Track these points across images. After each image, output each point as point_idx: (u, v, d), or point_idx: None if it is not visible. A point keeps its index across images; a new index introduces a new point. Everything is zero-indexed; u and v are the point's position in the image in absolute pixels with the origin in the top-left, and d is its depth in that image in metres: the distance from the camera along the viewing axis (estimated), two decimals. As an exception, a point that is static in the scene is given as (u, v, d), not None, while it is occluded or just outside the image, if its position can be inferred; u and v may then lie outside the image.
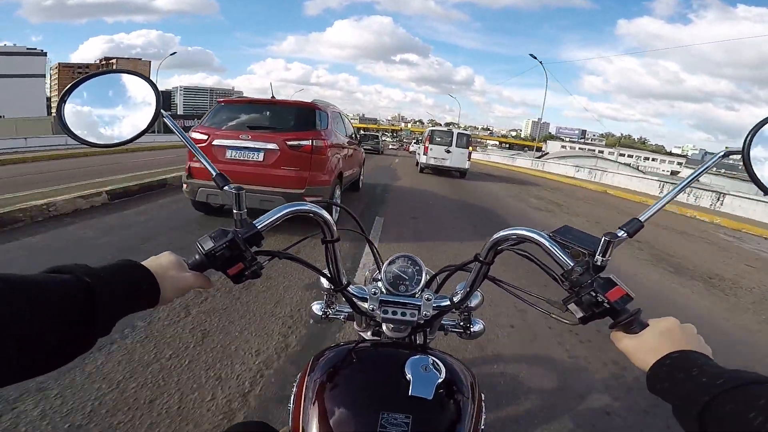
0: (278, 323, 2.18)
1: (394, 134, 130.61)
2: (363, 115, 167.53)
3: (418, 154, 14.09)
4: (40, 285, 0.35)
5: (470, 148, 12.43)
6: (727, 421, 0.35)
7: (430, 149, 12.21)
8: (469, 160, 12.32)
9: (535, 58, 23.32)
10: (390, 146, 48.92)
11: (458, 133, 12.46)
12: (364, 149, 25.03)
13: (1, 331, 0.31)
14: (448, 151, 12.11)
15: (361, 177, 7.49)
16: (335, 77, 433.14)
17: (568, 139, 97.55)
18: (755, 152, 0.51)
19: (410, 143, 49.81)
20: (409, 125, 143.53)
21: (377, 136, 26.76)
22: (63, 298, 0.36)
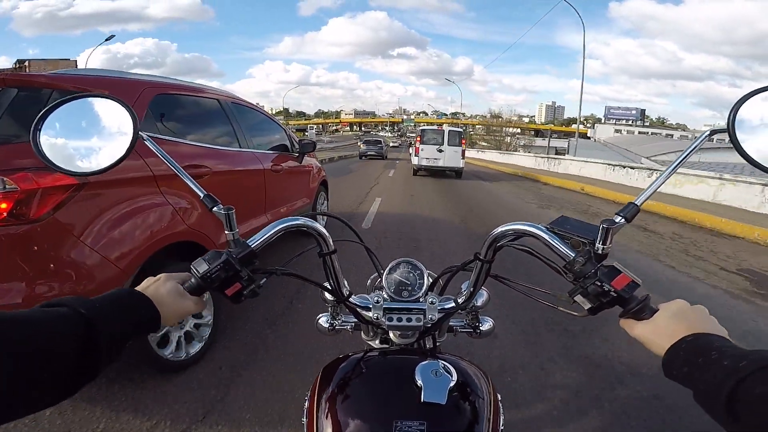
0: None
1: (395, 128, 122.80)
2: (364, 110, 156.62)
3: (411, 155, 13.80)
4: (38, 321, 0.37)
5: (463, 145, 12.15)
6: (759, 403, 0.35)
7: (422, 149, 12.08)
8: (463, 158, 12.11)
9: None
10: (391, 144, 42.13)
11: (450, 130, 12.35)
12: (368, 156, 21.00)
13: (1, 367, 0.32)
14: (440, 151, 11.98)
15: (320, 210, 4.58)
16: (335, 76, 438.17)
17: (617, 122, 67.82)
18: (741, 129, 0.51)
19: (411, 142, 43.60)
20: (413, 116, 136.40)
21: (380, 141, 23.65)
22: (62, 332, 0.37)
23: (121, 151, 0.58)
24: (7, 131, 1.57)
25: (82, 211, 1.49)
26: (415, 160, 12.38)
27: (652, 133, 51.93)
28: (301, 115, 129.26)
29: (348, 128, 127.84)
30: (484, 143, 38.61)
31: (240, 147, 2.72)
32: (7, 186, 1.31)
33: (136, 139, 0.58)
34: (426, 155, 12.02)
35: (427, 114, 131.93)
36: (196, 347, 1.95)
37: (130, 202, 1.67)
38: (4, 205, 1.32)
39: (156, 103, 2.00)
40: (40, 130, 0.57)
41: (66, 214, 1.44)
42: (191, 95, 2.41)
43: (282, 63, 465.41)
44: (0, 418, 0.32)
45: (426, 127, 12.97)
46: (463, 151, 12.06)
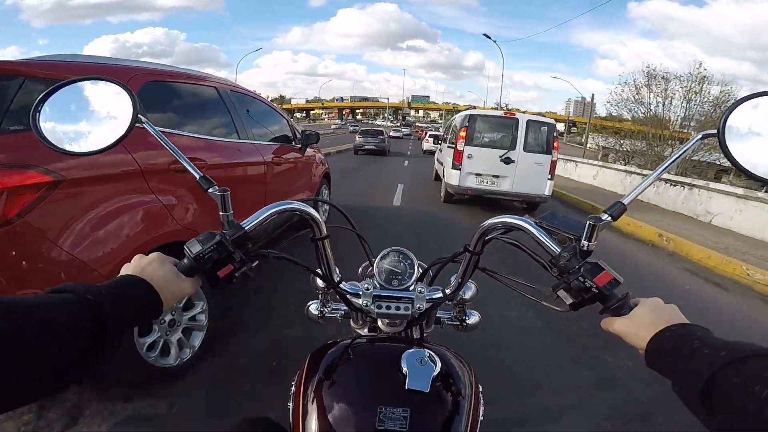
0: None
1: (397, 114, 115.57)
2: (364, 96, 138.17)
3: (441, 163, 8.03)
4: (45, 306, 0.38)
5: (555, 151, 6.25)
6: (732, 394, 0.37)
7: (470, 157, 6.27)
8: (551, 177, 6.20)
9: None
10: (391, 132, 34.66)
11: (529, 120, 6.31)
12: (366, 150, 17.67)
13: (7, 353, 0.33)
14: (507, 161, 6.20)
15: (322, 204, 4.41)
16: (343, 67, 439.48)
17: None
18: (731, 134, 0.53)
19: (424, 131, 32.16)
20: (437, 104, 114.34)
21: (381, 131, 19.25)
22: (69, 317, 0.39)
23: (120, 132, 0.60)
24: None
25: (58, 212, 1.38)
26: (452, 177, 6.43)
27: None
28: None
29: (338, 117, 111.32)
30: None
31: (239, 138, 2.62)
32: None
33: (135, 121, 0.60)
34: (477, 168, 6.29)
35: (435, 102, 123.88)
36: (186, 353, 1.87)
37: (115, 200, 1.57)
38: None
39: (146, 90, 1.89)
40: (39, 112, 0.59)
41: (39, 216, 1.31)
42: (186, 83, 2.30)
43: (290, 53, 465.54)
44: (3, 405, 0.33)
45: (481, 113, 6.89)
46: (553, 165, 6.23)
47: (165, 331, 1.76)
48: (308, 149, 3.87)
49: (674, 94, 12.35)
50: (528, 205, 6.63)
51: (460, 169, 6.33)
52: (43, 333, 0.35)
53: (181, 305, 1.84)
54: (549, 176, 6.20)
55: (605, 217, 0.53)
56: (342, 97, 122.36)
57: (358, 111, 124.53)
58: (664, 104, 12.53)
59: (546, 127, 6.35)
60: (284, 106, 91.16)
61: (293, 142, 3.63)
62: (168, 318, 1.77)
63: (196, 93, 2.38)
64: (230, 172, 2.40)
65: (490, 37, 22.68)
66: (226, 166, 2.34)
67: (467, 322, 0.82)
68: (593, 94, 20.53)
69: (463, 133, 6.32)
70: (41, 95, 0.60)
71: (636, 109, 13.09)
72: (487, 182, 6.36)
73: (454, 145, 6.58)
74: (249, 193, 2.65)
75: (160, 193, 1.76)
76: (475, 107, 8.07)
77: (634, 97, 12.92)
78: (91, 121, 0.63)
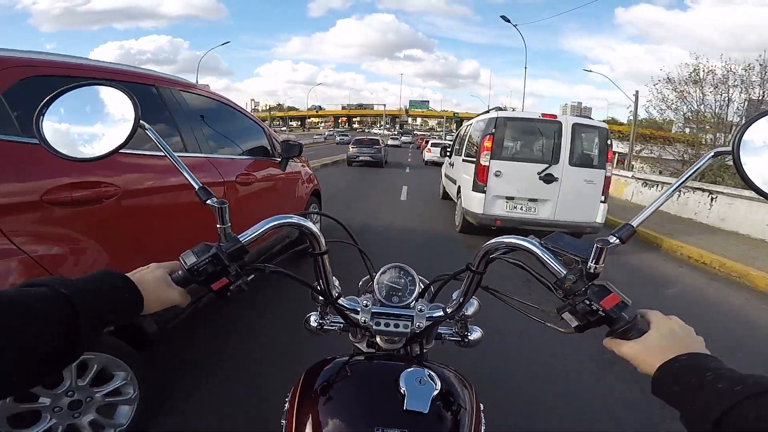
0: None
1: (395, 121, 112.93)
2: (359, 103, 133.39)
3: (453, 181, 6.41)
4: (18, 299, 0.37)
5: (609, 164, 4.80)
6: (749, 429, 0.35)
7: (498, 174, 4.75)
8: (604, 200, 4.76)
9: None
10: (389, 141, 33.52)
11: (575, 124, 4.79)
12: (361, 161, 16.28)
13: None
14: (549, 179, 4.71)
15: (312, 221, 3.75)
16: (342, 76, 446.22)
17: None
18: (746, 152, 0.50)
19: (426, 139, 29.97)
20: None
21: (377, 140, 17.50)
22: (43, 311, 0.38)
23: (120, 139, 0.60)
24: None
25: None
26: (474, 202, 4.88)
27: None
28: (292, 110, 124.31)
29: (332, 126, 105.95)
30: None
31: (187, 152, 1.97)
32: None
33: (136, 128, 0.60)
34: (508, 189, 4.77)
35: (434, 110, 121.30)
36: None
37: None
38: None
39: (23, 87, 1.33)
40: (43, 116, 0.59)
41: None
42: (104, 79, 1.61)
43: (290, 62, 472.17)
44: None
45: (511, 115, 5.18)
46: (608, 182, 4.79)
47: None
48: (292, 163, 3.25)
49: (732, 94, 10.91)
50: (573, 235, 4.67)
51: (484, 192, 4.73)
52: (23, 327, 0.35)
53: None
54: (602, 198, 4.71)
55: (613, 239, 0.53)
56: (320, 106, 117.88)
57: (354, 119, 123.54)
58: (728, 103, 10.98)
59: (598, 133, 4.83)
60: (277, 114, 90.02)
61: (271, 155, 3.00)
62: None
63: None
64: (164, 198, 1.73)
65: (509, 20, 20.10)
66: (155, 191, 1.68)
67: (469, 338, 0.80)
68: (637, 92, 15.91)
69: (488, 143, 4.73)
70: (45, 100, 0.59)
71: (687, 109, 11.71)
72: (521, 208, 4.78)
73: (475, 159, 4.90)
74: (198, 226, 1.90)
75: (20, 236, 1.18)
76: (500, 108, 5.84)
77: (683, 95, 11.54)
78: (94, 126, 0.63)
